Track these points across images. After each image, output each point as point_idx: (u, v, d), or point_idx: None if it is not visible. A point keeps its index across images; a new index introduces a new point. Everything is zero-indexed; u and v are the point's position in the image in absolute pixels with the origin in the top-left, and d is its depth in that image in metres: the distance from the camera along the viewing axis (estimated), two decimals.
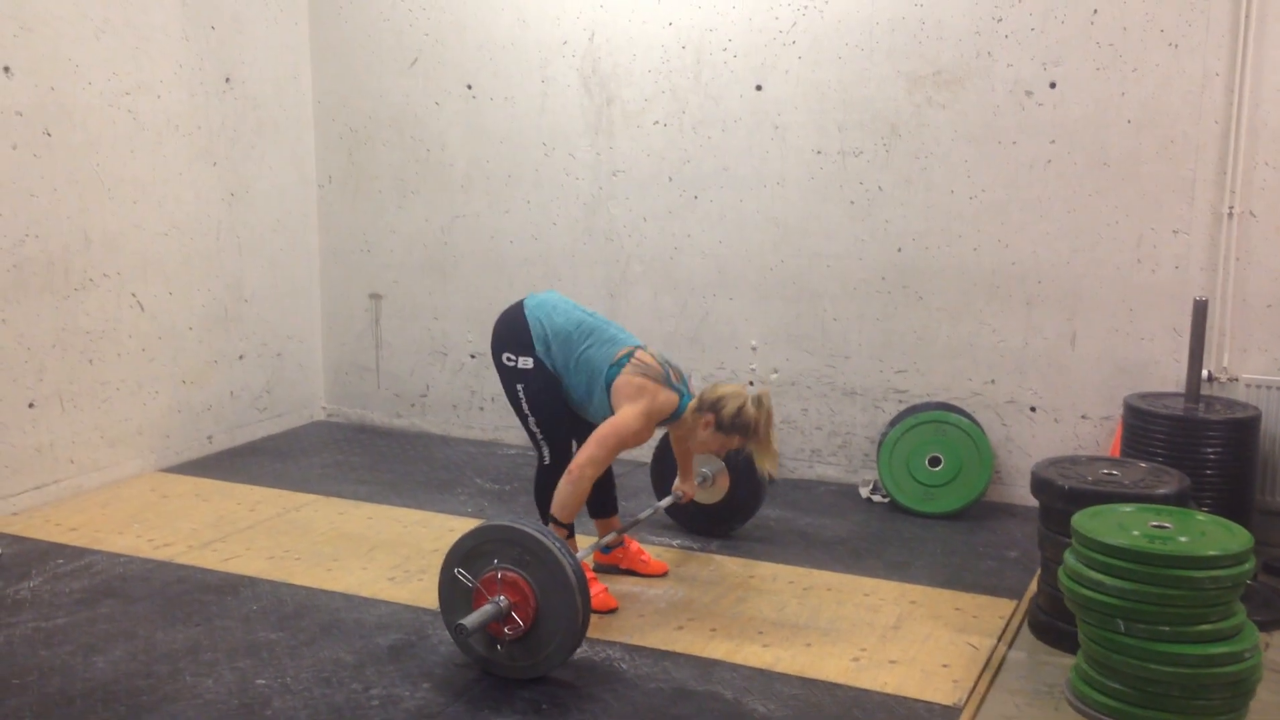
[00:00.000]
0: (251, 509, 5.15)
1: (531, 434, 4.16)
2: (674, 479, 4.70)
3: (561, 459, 4.09)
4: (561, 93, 5.92)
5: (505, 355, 4.14)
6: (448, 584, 3.60)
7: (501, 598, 3.46)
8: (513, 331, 4.15)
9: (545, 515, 4.11)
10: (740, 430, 3.99)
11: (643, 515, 4.45)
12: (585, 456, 3.89)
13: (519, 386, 4.10)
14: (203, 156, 5.85)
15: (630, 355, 4.03)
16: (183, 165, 5.74)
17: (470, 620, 3.42)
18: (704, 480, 4.78)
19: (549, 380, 4.09)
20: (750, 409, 3.98)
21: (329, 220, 6.63)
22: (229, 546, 4.68)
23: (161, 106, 5.59)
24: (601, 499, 4.39)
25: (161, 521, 4.97)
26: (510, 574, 3.47)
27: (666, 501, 4.62)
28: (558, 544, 3.46)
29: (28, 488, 5.09)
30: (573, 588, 3.42)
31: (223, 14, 5.89)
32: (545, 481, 4.13)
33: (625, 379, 3.97)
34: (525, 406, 4.11)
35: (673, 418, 4.05)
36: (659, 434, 4.44)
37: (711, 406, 3.99)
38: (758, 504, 4.82)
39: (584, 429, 4.11)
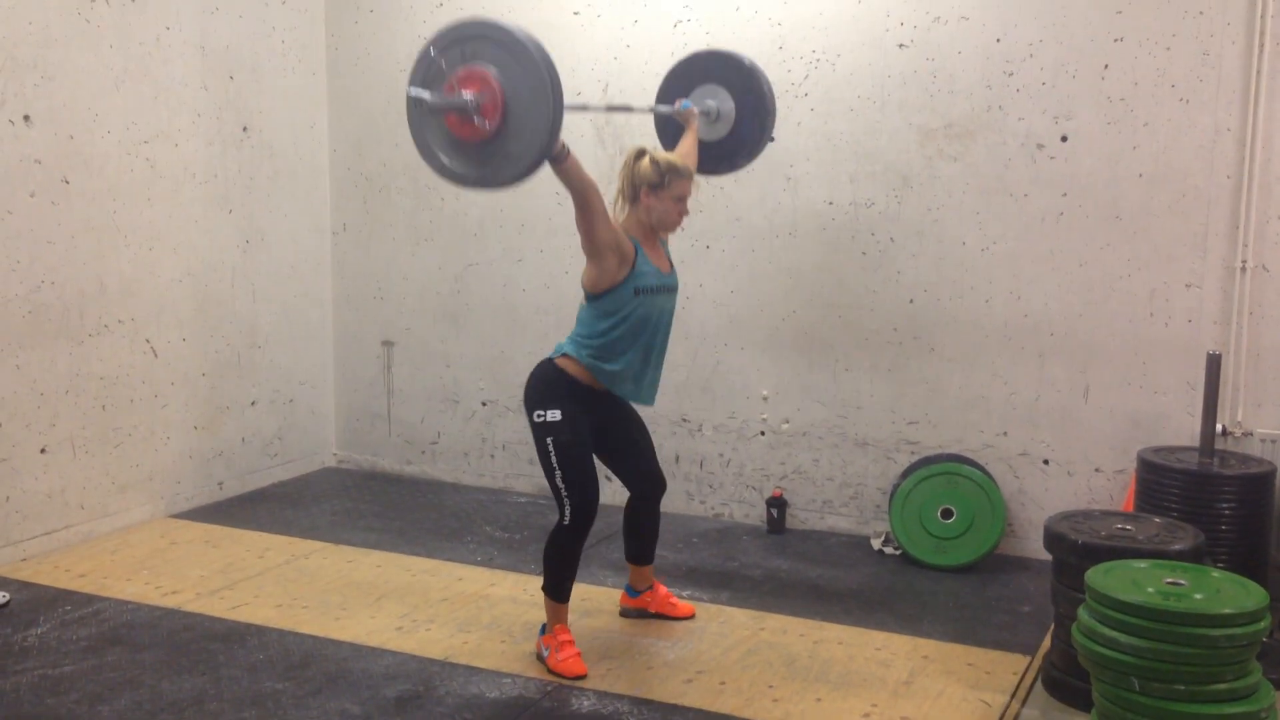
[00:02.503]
0: (260, 556, 5.14)
1: (556, 490, 3.99)
2: (646, 541, 4.46)
3: (581, 522, 3.96)
4: (575, 143, 5.87)
5: (535, 413, 4.03)
6: (412, 114, 3.58)
7: (465, 93, 3.43)
8: (542, 384, 4.07)
9: (551, 580, 4.04)
10: (661, 173, 4.03)
11: (639, 108, 4.51)
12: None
13: (548, 440, 3.98)
14: (219, 204, 5.90)
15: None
16: (199, 212, 5.79)
17: (432, 99, 3.42)
18: (709, 114, 4.66)
19: (579, 435, 4.01)
20: (646, 154, 4.08)
21: (342, 267, 6.67)
22: (237, 594, 4.66)
23: (179, 155, 5.65)
24: (639, 543, 4.39)
25: (170, 568, 4.96)
26: (464, 70, 3.43)
27: (666, 109, 4.56)
28: (505, 21, 3.49)
29: (38, 533, 5.09)
30: (535, 61, 3.38)
31: (242, 64, 5.97)
32: (559, 541, 4.01)
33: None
34: (554, 460, 3.96)
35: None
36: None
37: (637, 186, 4.07)
38: (764, 138, 4.69)
39: (625, 468, 4.21)
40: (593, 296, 4.02)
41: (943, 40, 5.21)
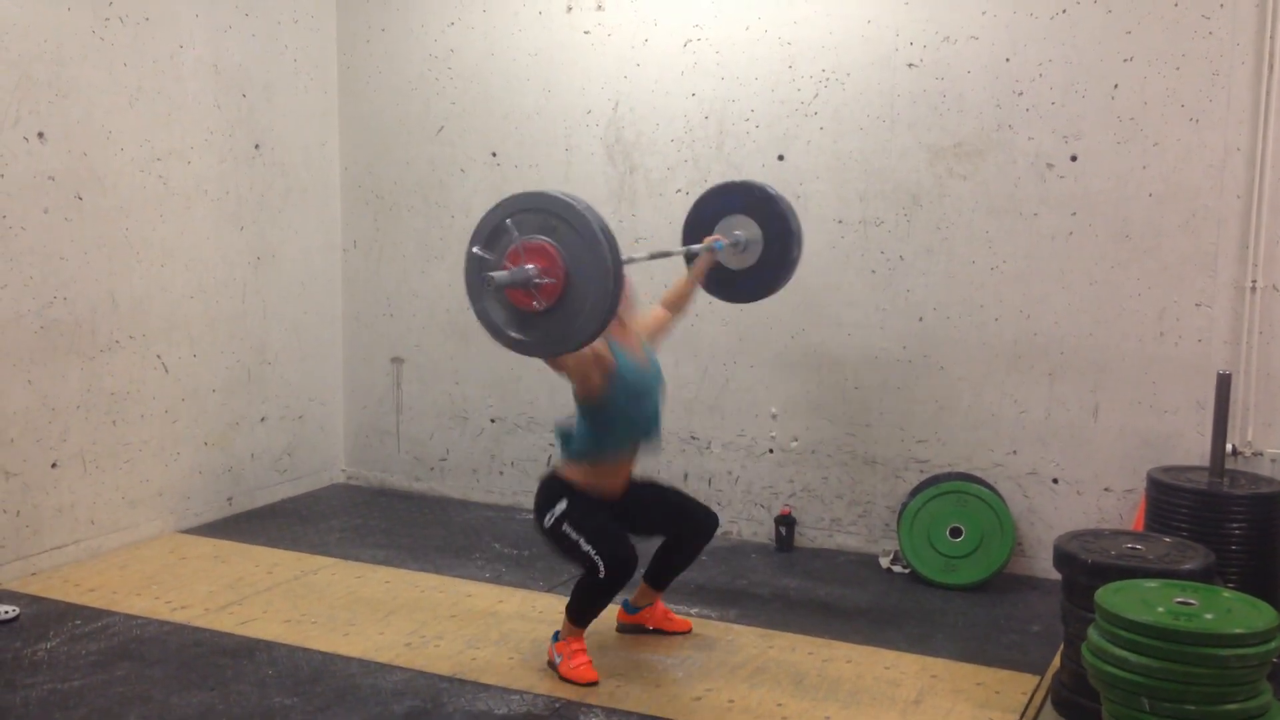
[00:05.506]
0: (269, 571, 5.15)
1: (585, 556, 3.98)
2: (673, 571, 4.46)
3: (617, 574, 3.95)
4: (585, 161, 5.99)
5: (545, 518, 4.09)
6: (473, 271, 3.52)
7: (529, 265, 3.40)
8: (546, 491, 4.16)
9: (576, 612, 4.05)
10: None
11: (676, 251, 4.54)
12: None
13: (563, 526, 4.04)
14: (230, 221, 5.93)
15: None
16: (210, 229, 5.81)
17: (499, 276, 3.36)
18: (737, 244, 4.69)
19: (591, 508, 4.07)
20: None
21: (352, 284, 6.69)
22: (246, 609, 4.67)
23: (191, 172, 5.68)
24: (665, 570, 4.39)
25: (179, 583, 4.97)
26: (533, 242, 3.40)
27: (698, 248, 4.60)
28: (580, 202, 3.43)
29: (48, 548, 5.10)
30: (599, 240, 3.35)
31: (254, 83, 6.00)
32: (592, 588, 3.99)
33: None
34: (572, 535, 4.00)
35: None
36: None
37: None
38: (789, 269, 4.76)
39: (663, 524, 4.26)
40: (587, 408, 4.07)
41: (952, 60, 5.23)
